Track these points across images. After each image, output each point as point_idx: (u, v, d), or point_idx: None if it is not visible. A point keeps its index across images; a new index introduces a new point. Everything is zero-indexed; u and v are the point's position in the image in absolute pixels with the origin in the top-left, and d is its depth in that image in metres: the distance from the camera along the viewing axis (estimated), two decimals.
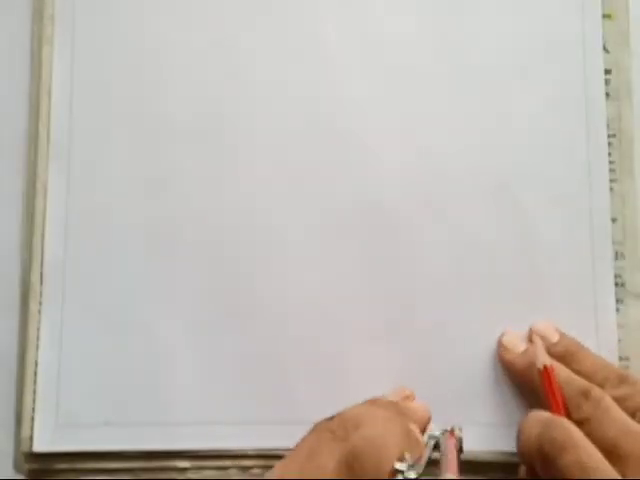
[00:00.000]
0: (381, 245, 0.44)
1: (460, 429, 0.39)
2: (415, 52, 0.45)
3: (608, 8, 0.46)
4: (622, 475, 0.34)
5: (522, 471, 0.39)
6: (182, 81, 0.45)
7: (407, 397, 0.41)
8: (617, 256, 0.44)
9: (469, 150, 0.45)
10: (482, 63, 0.45)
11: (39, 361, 0.43)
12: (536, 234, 0.44)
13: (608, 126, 0.45)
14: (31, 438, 0.42)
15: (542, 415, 0.37)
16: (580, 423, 0.36)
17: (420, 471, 0.35)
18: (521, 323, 0.43)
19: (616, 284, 0.44)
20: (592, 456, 0.34)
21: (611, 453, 0.35)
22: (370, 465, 0.35)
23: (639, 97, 0.45)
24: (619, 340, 0.43)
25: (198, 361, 0.43)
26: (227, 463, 0.42)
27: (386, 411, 0.38)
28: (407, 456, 0.35)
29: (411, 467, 0.35)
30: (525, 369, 0.41)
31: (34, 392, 0.43)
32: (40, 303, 0.44)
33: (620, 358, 0.43)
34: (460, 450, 0.38)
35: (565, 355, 0.41)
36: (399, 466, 0.35)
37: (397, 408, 0.38)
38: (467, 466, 0.42)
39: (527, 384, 0.41)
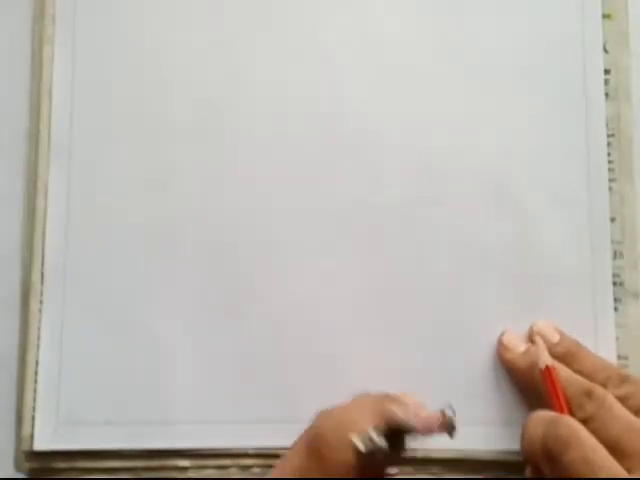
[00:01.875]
0: (381, 245, 0.44)
1: (453, 411, 0.38)
2: (415, 52, 0.45)
3: (608, 8, 0.46)
4: (627, 472, 0.34)
5: (527, 472, 0.39)
6: (182, 81, 0.45)
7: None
8: (616, 255, 0.44)
9: (469, 150, 0.45)
10: (482, 63, 0.45)
11: (40, 360, 0.43)
12: (535, 233, 0.44)
13: (607, 126, 0.45)
14: (32, 437, 0.43)
15: (546, 414, 0.37)
16: (583, 422, 0.36)
17: (384, 445, 0.35)
18: (521, 322, 0.43)
19: (615, 283, 0.44)
20: (597, 452, 0.34)
21: (615, 451, 0.35)
22: (333, 440, 0.35)
23: (638, 97, 0.45)
24: (617, 339, 0.43)
25: (198, 360, 0.43)
26: (227, 462, 0.43)
27: (366, 396, 0.38)
28: (371, 429, 0.35)
29: (377, 438, 0.35)
30: (526, 369, 0.41)
31: (35, 391, 0.43)
32: (41, 302, 0.44)
33: (619, 357, 0.43)
34: (451, 429, 0.38)
35: (566, 355, 0.41)
36: (355, 439, 0.34)
37: (380, 396, 0.39)
38: (467, 465, 0.42)
39: (528, 384, 0.41)
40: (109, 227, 0.44)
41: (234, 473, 0.43)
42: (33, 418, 0.43)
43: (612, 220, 0.44)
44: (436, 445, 0.42)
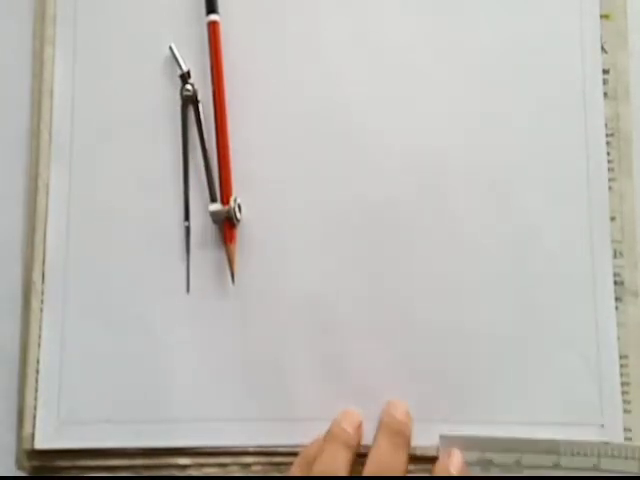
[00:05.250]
0: (381, 245, 0.44)
1: None
2: (415, 52, 0.46)
3: (606, 8, 0.46)
4: None
5: None
6: (178, 82, 0.46)
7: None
8: (616, 254, 0.44)
9: (469, 149, 0.45)
10: (482, 63, 0.46)
11: (41, 359, 0.43)
12: (535, 233, 0.44)
13: (606, 125, 0.45)
14: (33, 435, 0.43)
15: None
16: None
17: None
18: (520, 322, 0.43)
19: (615, 282, 0.44)
20: None
21: None
22: None
23: (637, 97, 0.45)
24: (618, 338, 0.43)
25: (198, 359, 0.43)
26: (227, 460, 0.43)
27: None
28: None
29: None
30: None
31: (36, 390, 0.43)
32: (42, 301, 0.44)
33: (619, 356, 0.43)
34: None
35: None
36: None
37: None
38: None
39: None
40: (110, 226, 0.45)
41: (234, 471, 0.43)
42: (34, 417, 0.43)
43: (612, 219, 0.44)
44: (435, 443, 0.42)
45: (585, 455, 0.41)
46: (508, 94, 0.45)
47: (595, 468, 0.41)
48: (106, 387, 0.43)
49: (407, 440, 0.41)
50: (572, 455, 0.41)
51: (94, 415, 0.43)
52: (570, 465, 0.41)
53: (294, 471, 0.41)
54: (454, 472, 0.40)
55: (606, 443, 0.41)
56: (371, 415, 0.42)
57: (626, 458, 0.41)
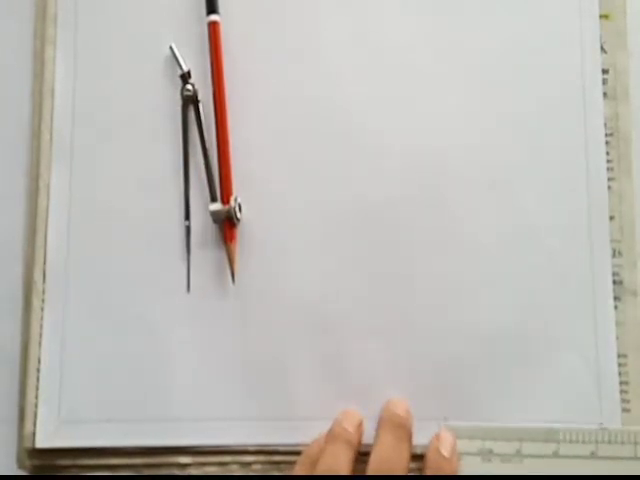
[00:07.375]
0: (381, 245, 0.44)
1: None
2: (415, 52, 0.46)
3: (605, 8, 0.46)
4: None
5: None
6: (178, 82, 0.46)
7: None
8: (615, 254, 0.44)
9: (468, 149, 0.45)
10: (481, 63, 0.46)
11: (42, 358, 0.43)
12: (534, 232, 0.44)
13: (605, 125, 0.45)
14: (33, 434, 0.43)
15: None
16: None
17: None
18: (520, 321, 0.43)
19: (614, 282, 0.44)
20: None
21: None
22: None
23: (636, 96, 0.46)
24: (617, 337, 0.43)
25: (199, 358, 0.43)
26: (228, 459, 0.43)
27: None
28: None
29: None
30: None
31: (37, 388, 0.43)
32: (43, 301, 0.44)
33: (618, 355, 0.43)
34: None
35: None
36: None
37: None
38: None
39: None
40: (110, 226, 0.45)
41: (235, 470, 0.43)
42: (35, 416, 0.43)
43: (611, 219, 0.44)
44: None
45: (583, 442, 0.41)
46: (508, 94, 0.45)
47: (593, 456, 0.41)
48: (106, 386, 0.43)
49: (409, 433, 0.41)
50: (570, 442, 0.41)
51: (95, 414, 0.43)
52: (569, 453, 0.41)
53: (298, 470, 0.41)
54: (445, 453, 0.41)
55: (603, 428, 0.41)
56: (371, 415, 0.42)
57: (622, 443, 0.41)
